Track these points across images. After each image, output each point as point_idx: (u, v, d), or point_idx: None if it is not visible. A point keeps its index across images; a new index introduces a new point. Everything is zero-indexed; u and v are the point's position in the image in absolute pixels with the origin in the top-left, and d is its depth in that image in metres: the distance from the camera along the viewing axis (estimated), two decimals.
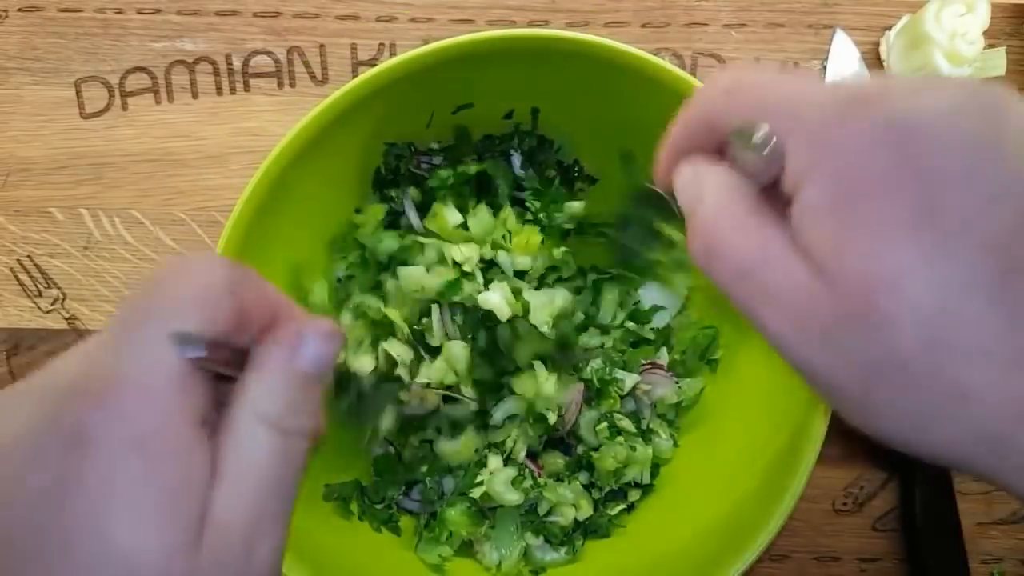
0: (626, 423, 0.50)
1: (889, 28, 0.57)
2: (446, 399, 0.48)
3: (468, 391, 0.47)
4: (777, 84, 0.26)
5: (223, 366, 0.25)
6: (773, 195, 0.26)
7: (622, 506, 0.50)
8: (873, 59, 0.57)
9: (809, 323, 0.24)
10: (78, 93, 0.56)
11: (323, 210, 0.48)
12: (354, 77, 0.55)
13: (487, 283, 0.46)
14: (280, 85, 0.57)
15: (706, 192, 0.27)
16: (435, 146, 0.49)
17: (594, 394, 0.50)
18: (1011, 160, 0.23)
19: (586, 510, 0.49)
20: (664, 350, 0.52)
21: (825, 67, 0.57)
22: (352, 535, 0.47)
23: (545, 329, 0.46)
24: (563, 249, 0.49)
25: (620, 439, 0.49)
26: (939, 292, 0.22)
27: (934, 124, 0.23)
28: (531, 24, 0.57)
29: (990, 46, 0.55)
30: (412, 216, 0.49)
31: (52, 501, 0.21)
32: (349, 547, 0.46)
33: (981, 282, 0.22)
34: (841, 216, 0.23)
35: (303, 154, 0.42)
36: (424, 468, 0.50)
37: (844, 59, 0.57)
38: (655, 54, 0.45)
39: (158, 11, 0.57)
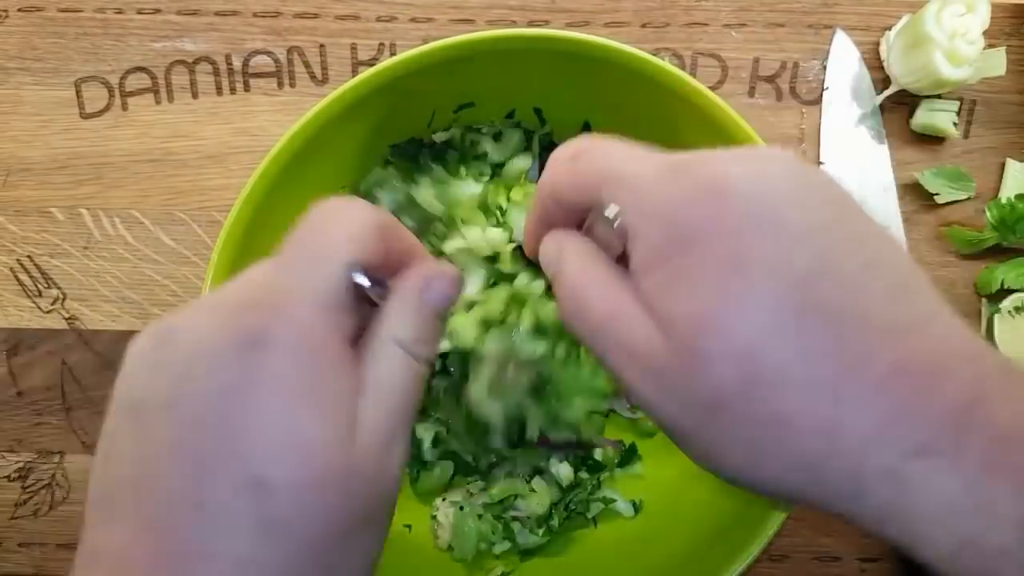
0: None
1: (889, 28, 0.57)
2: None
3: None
4: (611, 155, 0.29)
5: (374, 295, 0.28)
6: (626, 261, 0.29)
7: (603, 474, 0.50)
8: (873, 59, 0.57)
9: (649, 367, 0.27)
10: (78, 93, 0.56)
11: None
12: (354, 77, 0.56)
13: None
14: (280, 85, 0.57)
15: (566, 259, 0.31)
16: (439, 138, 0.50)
17: None
18: (808, 213, 0.25)
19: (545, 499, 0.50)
20: None
21: (825, 67, 0.57)
22: None
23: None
24: None
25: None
26: (747, 330, 0.25)
27: (743, 182, 0.26)
28: (531, 24, 0.57)
29: (990, 46, 0.55)
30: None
31: (238, 393, 0.25)
32: None
33: (785, 318, 0.24)
34: (665, 268, 0.26)
35: (303, 153, 0.42)
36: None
37: (844, 59, 0.57)
38: (655, 54, 0.45)
39: (158, 11, 0.57)
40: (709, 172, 0.26)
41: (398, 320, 0.29)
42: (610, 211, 0.29)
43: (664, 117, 0.45)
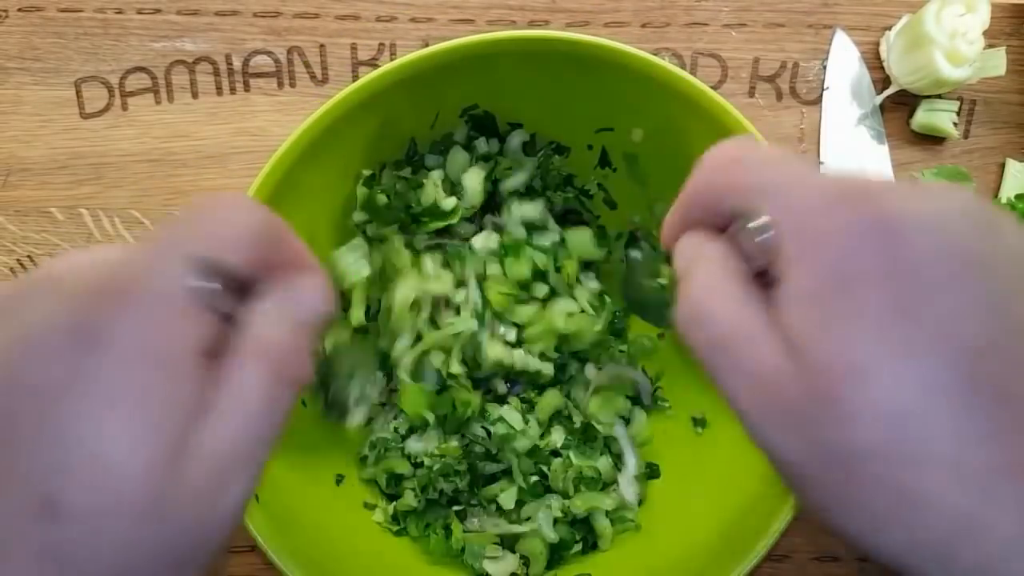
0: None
1: (889, 28, 0.57)
2: None
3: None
4: (775, 168, 0.27)
5: (232, 305, 0.25)
6: (765, 277, 0.27)
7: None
8: (873, 59, 0.57)
9: (775, 401, 0.24)
10: (78, 93, 0.56)
11: (327, 209, 0.48)
12: (354, 77, 0.56)
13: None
14: (280, 85, 0.57)
15: (700, 264, 0.28)
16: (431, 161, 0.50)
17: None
18: (996, 277, 0.23)
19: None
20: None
21: (825, 67, 0.57)
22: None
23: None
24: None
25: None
26: (902, 392, 0.22)
27: (922, 228, 0.23)
28: (531, 24, 0.57)
29: (990, 46, 0.55)
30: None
31: (57, 393, 0.22)
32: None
33: (946, 389, 0.22)
34: (821, 304, 0.24)
35: (306, 154, 0.42)
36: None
37: (844, 59, 0.57)
38: (655, 54, 0.45)
39: (158, 11, 0.57)
40: (885, 208, 0.24)
41: (263, 333, 0.26)
42: (760, 222, 0.26)
43: (667, 118, 0.45)
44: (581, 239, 0.51)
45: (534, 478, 0.50)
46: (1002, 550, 0.22)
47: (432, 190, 0.48)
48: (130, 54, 0.56)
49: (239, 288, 0.25)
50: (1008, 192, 0.56)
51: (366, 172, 0.48)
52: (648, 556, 0.48)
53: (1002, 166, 0.57)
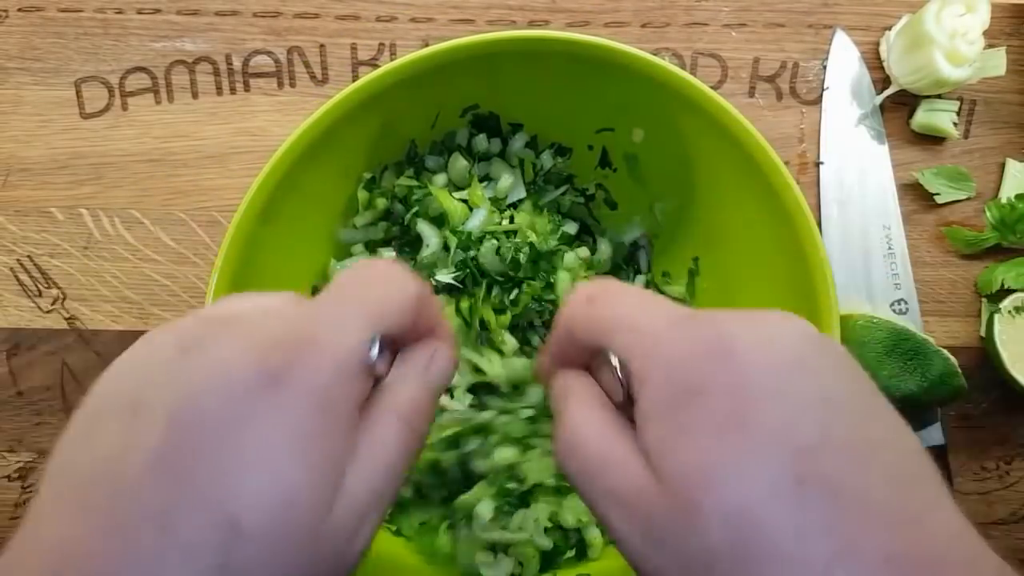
0: None
1: (889, 28, 0.57)
2: None
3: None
4: (626, 300, 0.30)
5: (384, 370, 0.29)
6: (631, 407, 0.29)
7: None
8: (873, 59, 0.57)
9: (639, 518, 0.26)
10: (78, 93, 0.56)
11: (327, 211, 0.48)
12: (354, 77, 0.56)
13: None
14: (280, 85, 0.57)
15: (570, 398, 0.31)
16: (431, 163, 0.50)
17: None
18: (822, 380, 0.25)
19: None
20: None
21: (825, 67, 0.57)
22: None
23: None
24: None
25: None
26: (743, 495, 0.24)
27: (754, 343, 0.26)
28: (531, 24, 0.57)
29: (990, 46, 0.55)
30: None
31: (242, 426, 0.24)
32: None
33: (781, 489, 0.24)
34: (668, 420, 0.26)
35: (306, 155, 0.42)
36: None
37: (844, 59, 0.57)
38: (655, 54, 0.45)
39: (158, 11, 0.57)
40: (720, 331, 0.26)
41: (401, 391, 0.29)
42: (613, 360, 0.29)
43: (667, 118, 0.45)
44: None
45: (512, 484, 0.49)
46: None
47: (442, 197, 0.48)
48: (130, 54, 0.56)
49: (389, 346, 0.29)
50: (1008, 192, 0.56)
51: (367, 175, 0.48)
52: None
53: (1002, 166, 0.57)
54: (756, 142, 0.42)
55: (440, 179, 0.49)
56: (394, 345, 0.30)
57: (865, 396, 0.26)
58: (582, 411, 0.30)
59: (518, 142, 0.50)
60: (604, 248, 0.53)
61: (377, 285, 0.29)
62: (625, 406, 0.29)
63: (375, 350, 0.27)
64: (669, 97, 0.43)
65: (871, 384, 0.27)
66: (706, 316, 0.28)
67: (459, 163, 0.49)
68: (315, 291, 0.49)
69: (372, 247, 0.50)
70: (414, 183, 0.48)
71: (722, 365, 0.26)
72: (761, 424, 0.25)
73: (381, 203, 0.48)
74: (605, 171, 0.51)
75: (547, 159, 0.51)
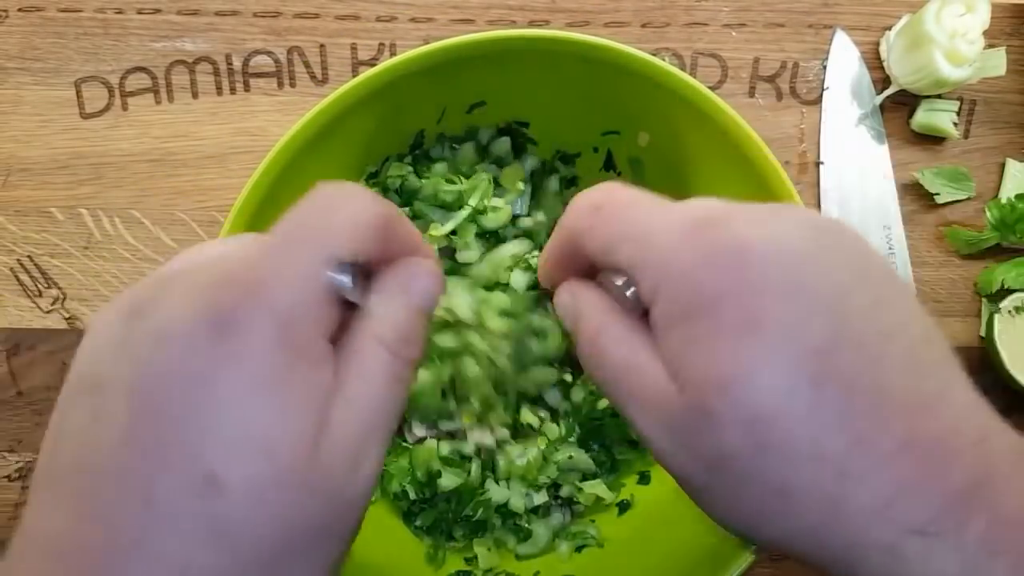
0: None
1: (889, 28, 0.57)
2: None
3: None
4: (634, 210, 0.29)
5: (354, 297, 0.27)
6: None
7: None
8: (873, 59, 0.57)
9: (663, 420, 0.27)
10: (78, 93, 0.56)
11: None
12: (354, 77, 0.56)
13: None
14: (280, 85, 0.57)
15: (582, 312, 0.31)
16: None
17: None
18: (828, 276, 0.25)
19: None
20: None
21: (825, 67, 0.57)
22: None
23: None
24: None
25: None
26: (759, 398, 0.24)
27: (764, 245, 0.26)
28: (531, 24, 0.57)
29: (990, 46, 0.55)
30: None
31: (202, 382, 0.23)
32: None
33: (796, 389, 0.24)
34: (682, 328, 0.26)
35: (305, 150, 0.42)
36: None
37: (844, 59, 0.57)
38: (655, 54, 0.45)
39: (158, 11, 0.57)
40: (731, 234, 0.26)
41: (383, 318, 0.28)
42: (619, 282, 0.30)
43: (669, 121, 0.45)
44: None
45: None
46: (863, 521, 0.24)
47: (436, 180, 0.48)
48: (130, 54, 0.56)
49: (362, 272, 0.27)
50: (1008, 192, 0.56)
51: (370, 168, 0.48)
52: (638, 552, 0.48)
53: (1002, 166, 0.57)
54: (756, 144, 0.42)
55: (440, 167, 0.49)
56: (368, 271, 0.28)
57: (879, 283, 0.26)
58: (597, 321, 0.30)
59: (529, 164, 0.51)
60: None
61: (334, 209, 0.27)
62: (634, 312, 0.29)
63: (342, 276, 0.26)
64: (669, 98, 0.43)
65: (885, 268, 0.27)
66: (718, 218, 0.27)
67: (468, 150, 0.49)
68: None
69: None
70: (409, 170, 0.48)
71: (733, 270, 0.26)
72: (774, 328, 0.25)
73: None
74: (610, 174, 0.51)
75: (554, 183, 0.51)
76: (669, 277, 0.27)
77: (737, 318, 0.25)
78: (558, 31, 0.43)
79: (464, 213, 0.48)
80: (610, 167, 0.51)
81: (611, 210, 0.30)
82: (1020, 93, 0.57)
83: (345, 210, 0.27)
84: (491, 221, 0.49)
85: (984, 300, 0.56)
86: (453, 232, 0.48)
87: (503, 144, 0.50)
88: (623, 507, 0.51)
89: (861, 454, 0.24)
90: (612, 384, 0.29)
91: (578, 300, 0.32)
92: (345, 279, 0.26)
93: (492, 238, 0.51)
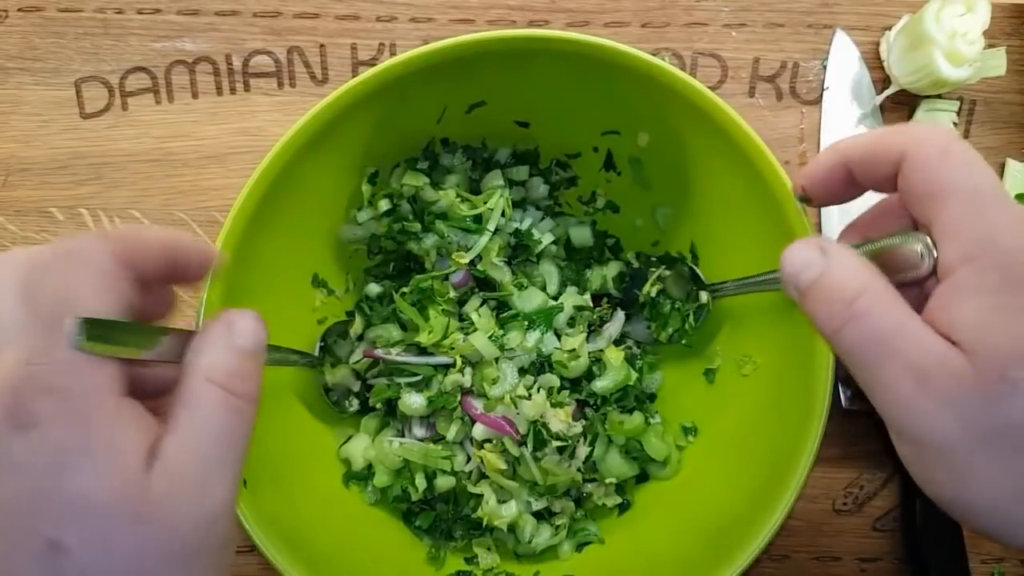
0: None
1: (889, 28, 0.57)
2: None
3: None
4: (977, 172, 0.30)
5: (118, 346, 0.28)
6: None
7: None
8: (873, 59, 0.57)
9: (938, 386, 0.28)
10: (78, 93, 0.56)
11: (328, 205, 0.48)
12: (354, 77, 0.56)
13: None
14: (280, 85, 0.57)
15: (837, 264, 0.32)
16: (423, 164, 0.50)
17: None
18: None
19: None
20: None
21: (825, 67, 0.57)
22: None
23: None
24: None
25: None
26: None
27: None
28: (531, 24, 0.57)
29: (990, 46, 0.55)
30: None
31: (21, 469, 0.26)
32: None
33: None
34: (995, 299, 0.28)
35: (306, 149, 0.42)
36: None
37: (844, 59, 0.57)
38: (655, 54, 0.45)
39: (158, 11, 0.57)
40: None
41: (208, 359, 0.30)
42: (908, 240, 0.31)
43: (667, 120, 0.45)
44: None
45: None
46: None
47: (451, 196, 0.48)
48: (130, 54, 0.56)
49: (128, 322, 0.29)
50: (1008, 192, 0.56)
51: (370, 169, 0.48)
52: (642, 557, 0.48)
53: (1002, 166, 0.57)
54: (755, 143, 0.42)
55: (453, 179, 0.49)
56: (142, 301, 0.30)
57: None
58: (860, 280, 0.31)
59: (540, 191, 0.51)
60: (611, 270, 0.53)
61: (62, 273, 0.28)
62: (913, 276, 0.31)
63: (87, 340, 0.27)
64: (669, 98, 0.43)
65: None
66: None
67: (497, 180, 0.50)
68: (315, 280, 0.49)
69: (374, 243, 0.51)
70: (425, 181, 0.48)
71: None
72: None
73: (383, 204, 0.48)
74: (609, 174, 0.51)
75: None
76: (992, 249, 0.29)
77: None
78: (558, 31, 0.43)
79: (484, 240, 0.49)
80: (610, 167, 0.51)
81: (956, 158, 0.30)
82: (1020, 93, 0.57)
83: (76, 268, 0.28)
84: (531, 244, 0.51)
85: None
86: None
87: (521, 172, 0.51)
88: (623, 507, 0.51)
89: None
90: (871, 345, 0.30)
91: (834, 255, 0.32)
92: (84, 336, 0.27)
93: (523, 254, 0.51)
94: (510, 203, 0.50)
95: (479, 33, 0.42)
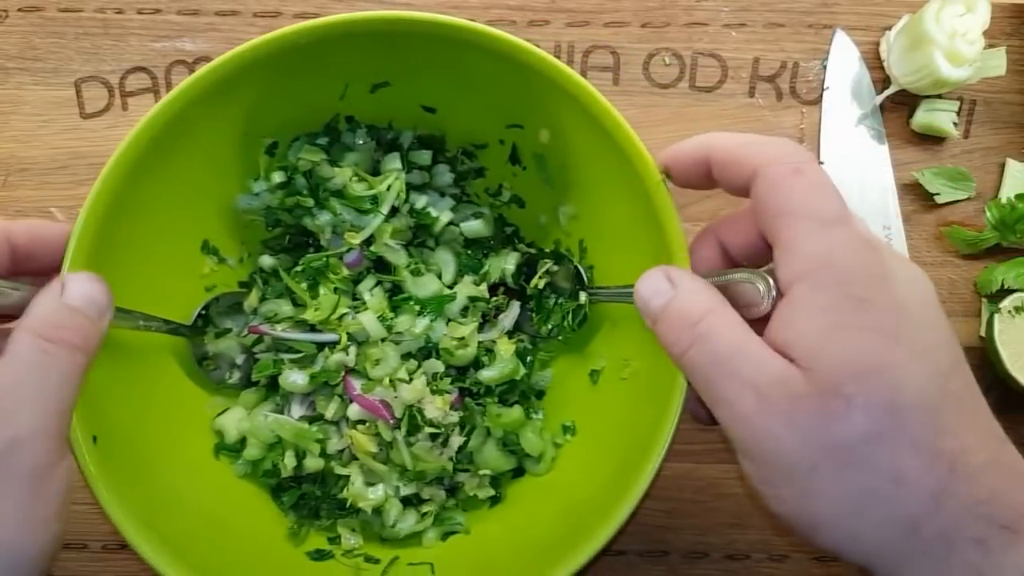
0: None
1: (889, 28, 0.57)
2: None
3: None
4: (823, 196, 0.32)
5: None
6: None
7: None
8: (873, 59, 0.57)
9: (777, 403, 0.29)
10: (78, 93, 0.56)
11: (222, 170, 0.48)
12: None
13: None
14: None
15: (684, 289, 0.34)
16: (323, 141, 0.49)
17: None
18: (945, 326, 0.32)
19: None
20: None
21: (825, 67, 0.57)
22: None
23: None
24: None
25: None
26: (893, 393, 0.28)
27: (906, 280, 0.31)
28: (531, 24, 0.57)
29: (990, 46, 0.55)
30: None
31: None
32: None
33: (929, 395, 0.29)
34: (830, 317, 0.29)
35: (198, 102, 0.42)
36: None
37: (844, 59, 0.57)
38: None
39: (158, 11, 0.57)
40: (884, 260, 0.31)
41: (32, 313, 0.34)
42: (764, 287, 0.33)
43: (554, 111, 0.44)
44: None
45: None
46: (960, 514, 0.28)
47: (347, 175, 0.48)
48: (130, 54, 0.56)
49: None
50: (1008, 192, 0.56)
51: (267, 140, 0.47)
52: (502, 542, 0.48)
53: (1002, 166, 0.57)
54: (625, 132, 0.41)
55: (352, 157, 0.49)
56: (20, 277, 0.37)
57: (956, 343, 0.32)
58: (706, 303, 0.33)
59: (445, 178, 0.51)
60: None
61: None
62: (757, 303, 0.33)
63: None
64: (556, 93, 0.42)
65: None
66: (875, 245, 0.31)
67: (394, 163, 0.49)
68: (205, 246, 0.49)
69: (271, 215, 0.50)
70: (322, 156, 0.48)
71: (885, 286, 0.30)
72: (913, 343, 0.29)
73: (277, 177, 0.48)
74: (516, 168, 0.51)
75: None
76: (826, 267, 0.30)
77: (885, 323, 0.29)
78: (438, 15, 0.42)
79: (377, 221, 0.48)
80: (516, 161, 0.50)
81: (805, 180, 0.32)
82: (1020, 93, 0.57)
83: None
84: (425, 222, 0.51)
85: (984, 300, 0.56)
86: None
87: (424, 156, 0.50)
88: (494, 500, 0.51)
89: (966, 460, 0.28)
90: (713, 366, 0.31)
91: (680, 283, 0.34)
92: None
93: (424, 236, 0.51)
94: (405, 186, 0.49)
95: (336, 15, 0.42)
